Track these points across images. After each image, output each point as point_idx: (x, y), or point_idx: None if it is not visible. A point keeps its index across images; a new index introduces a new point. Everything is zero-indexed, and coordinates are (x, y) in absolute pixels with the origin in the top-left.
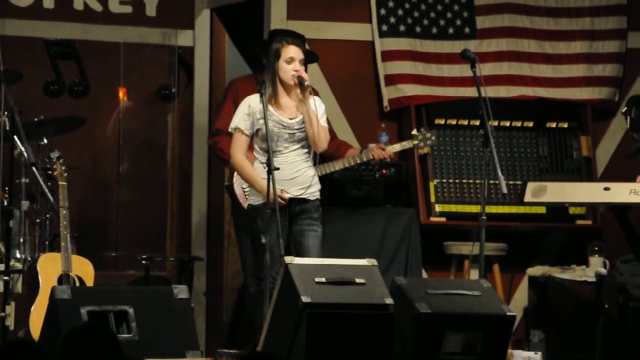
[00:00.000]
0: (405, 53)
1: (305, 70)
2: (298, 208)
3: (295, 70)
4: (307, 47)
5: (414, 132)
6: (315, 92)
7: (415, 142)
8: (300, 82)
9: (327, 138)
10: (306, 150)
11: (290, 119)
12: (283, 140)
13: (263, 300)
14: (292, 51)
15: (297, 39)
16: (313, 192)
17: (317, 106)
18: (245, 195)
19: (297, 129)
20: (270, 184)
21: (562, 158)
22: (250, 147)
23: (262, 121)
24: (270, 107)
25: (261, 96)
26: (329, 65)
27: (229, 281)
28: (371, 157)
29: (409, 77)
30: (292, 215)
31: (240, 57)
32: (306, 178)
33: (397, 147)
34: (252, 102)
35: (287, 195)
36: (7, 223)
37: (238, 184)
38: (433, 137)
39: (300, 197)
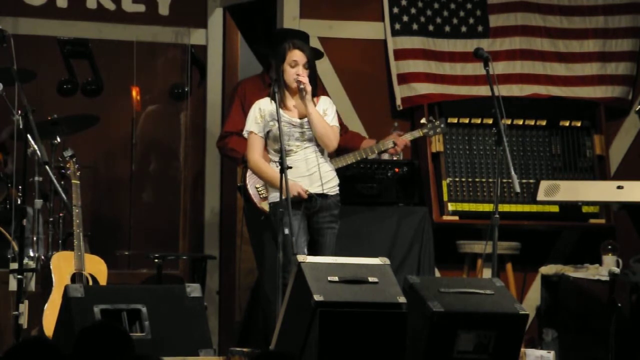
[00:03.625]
0: (418, 52)
1: (314, 68)
2: (319, 203)
3: (297, 75)
4: (314, 45)
5: (423, 120)
6: (325, 93)
7: (425, 130)
8: (300, 87)
9: (336, 138)
10: (320, 147)
11: (300, 118)
12: (294, 139)
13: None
14: (296, 55)
15: (301, 37)
16: (332, 187)
17: (328, 107)
18: (260, 195)
19: (307, 128)
20: (284, 183)
21: (575, 157)
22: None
23: (272, 122)
24: (281, 110)
25: (273, 93)
26: (342, 64)
27: (242, 280)
28: (389, 146)
29: (421, 75)
30: (311, 212)
31: (252, 56)
32: (323, 174)
33: (407, 136)
34: (262, 105)
35: (306, 191)
36: (20, 222)
37: (251, 184)
38: (442, 125)
39: (320, 193)
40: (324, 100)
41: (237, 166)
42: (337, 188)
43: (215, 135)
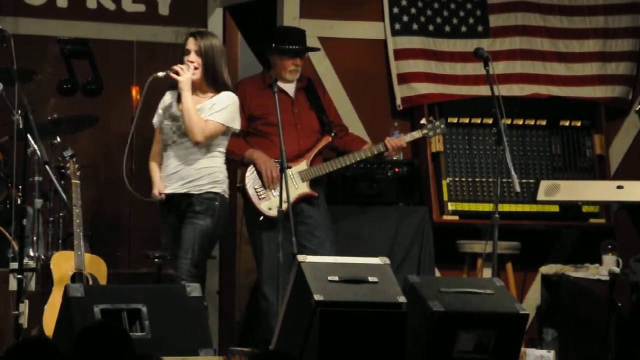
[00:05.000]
0: (418, 51)
1: (213, 58)
2: (184, 204)
3: (185, 63)
4: (314, 45)
5: (423, 121)
6: (324, 92)
7: (425, 131)
8: (171, 75)
9: (202, 132)
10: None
11: (179, 110)
12: (172, 133)
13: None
14: (189, 43)
15: (298, 34)
16: (199, 185)
17: (220, 102)
18: (259, 196)
19: (182, 122)
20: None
21: (575, 156)
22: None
23: (162, 115)
24: (171, 100)
25: (273, 93)
26: (342, 63)
27: (242, 279)
28: (384, 149)
29: (421, 75)
30: (181, 212)
31: (252, 56)
32: (191, 172)
33: (407, 137)
34: (165, 97)
35: (166, 192)
36: (20, 221)
37: (250, 185)
38: (442, 126)
39: (183, 192)
40: (220, 96)
41: (235, 167)
42: (210, 186)
43: None
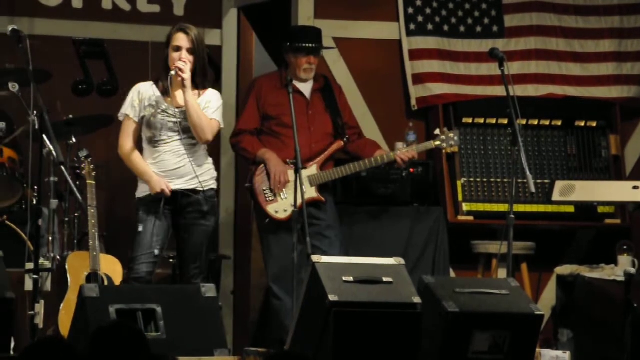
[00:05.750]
0: (433, 52)
1: (203, 55)
2: (185, 201)
3: (180, 60)
4: (329, 45)
5: (437, 132)
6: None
7: (437, 142)
8: (174, 73)
9: (212, 131)
10: (195, 141)
11: (177, 107)
12: (167, 129)
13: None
14: (179, 39)
15: (314, 33)
16: (203, 181)
17: (212, 100)
18: (266, 198)
19: (183, 118)
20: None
21: (590, 157)
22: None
23: (148, 108)
24: (159, 95)
25: (289, 94)
26: (357, 64)
27: (257, 280)
28: (393, 159)
29: (436, 75)
30: (178, 209)
31: (267, 56)
32: (194, 168)
33: (420, 147)
34: (141, 89)
35: (171, 187)
36: (36, 222)
37: (258, 186)
38: (455, 138)
39: (185, 189)
40: (210, 93)
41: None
42: (212, 183)
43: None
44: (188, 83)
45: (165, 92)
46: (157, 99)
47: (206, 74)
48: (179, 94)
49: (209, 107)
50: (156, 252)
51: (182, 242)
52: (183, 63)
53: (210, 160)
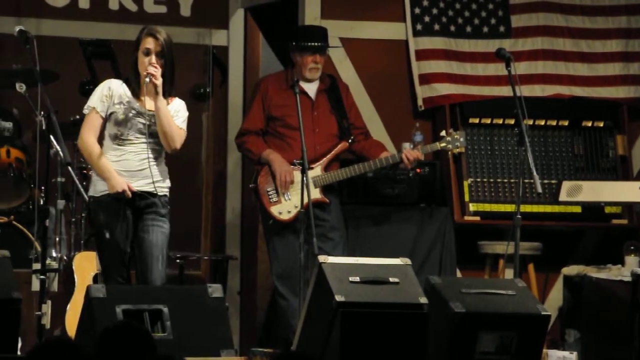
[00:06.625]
0: (440, 52)
1: (172, 59)
2: (143, 203)
3: (150, 64)
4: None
5: (442, 133)
6: (347, 91)
7: (443, 144)
8: (152, 81)
9: (180, 140)
10: (160, 147)
11: (150, 110)
12: (135, 130)
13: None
14: (148, 42)
15: (320, 33)
16: (160, 187)
17: (180, 109)
18: (270, 199)
19: (153, 122)
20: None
21: (597, 157)
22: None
23: (117, 105)
24: (131, 95)
25: (295, 94)
26: (363, 64)
27: (263, 280)
28: (398, 160)
29: (443, 76)
30: (136, 210)
31: (273, 57)
32: (154, 172)
33: (426, 148)
34: (112, 85)
35: (133, 188)
36: (43, 222)
37: (262, 186)
38: (462, 139)
39: (145, 191)
40: (178, 102)
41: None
42: (167, 190)
43: None
44: (160, 89)
45: (135, 94)
46: (130, 99)
47: (173, 81)
48: (148, 99)
49: (178, 117)
50: (126, 255)
51: (142, 243)
52: (154, 69)
53: (166, 168)
